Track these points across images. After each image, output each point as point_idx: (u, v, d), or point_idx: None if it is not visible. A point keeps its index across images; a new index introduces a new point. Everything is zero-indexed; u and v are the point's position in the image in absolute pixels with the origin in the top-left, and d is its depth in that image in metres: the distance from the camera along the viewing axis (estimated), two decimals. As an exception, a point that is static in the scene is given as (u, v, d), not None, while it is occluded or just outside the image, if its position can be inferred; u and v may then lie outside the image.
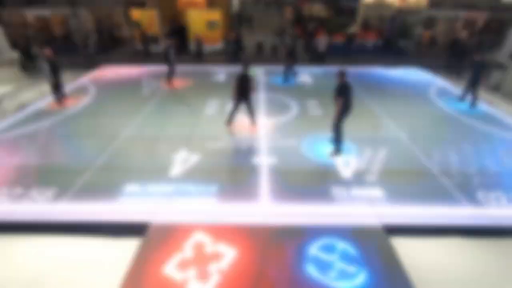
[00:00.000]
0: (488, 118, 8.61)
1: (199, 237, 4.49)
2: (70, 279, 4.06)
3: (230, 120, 7.82)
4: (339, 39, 16.81)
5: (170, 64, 10.97)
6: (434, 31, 19.40)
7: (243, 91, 7.36)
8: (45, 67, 8.71)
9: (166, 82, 11.20)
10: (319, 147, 6.99)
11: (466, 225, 4.84)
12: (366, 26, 21.99)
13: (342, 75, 6.19)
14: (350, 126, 8.13)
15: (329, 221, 4.82)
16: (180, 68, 11.70)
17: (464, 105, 9.41)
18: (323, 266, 4.07)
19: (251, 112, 7.74)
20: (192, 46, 16.61)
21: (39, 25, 18.52)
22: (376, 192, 5.49)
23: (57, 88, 9.04)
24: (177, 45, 10.83)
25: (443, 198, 5.38)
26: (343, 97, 6.13)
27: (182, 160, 6.43)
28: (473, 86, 9.17)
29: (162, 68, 11.54)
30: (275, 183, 5.74)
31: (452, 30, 18.32)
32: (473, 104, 9.25)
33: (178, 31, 16.60)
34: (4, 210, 5.04)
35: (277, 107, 9.26)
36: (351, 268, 4.05)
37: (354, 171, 6.10)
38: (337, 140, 6.60)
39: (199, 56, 14.22)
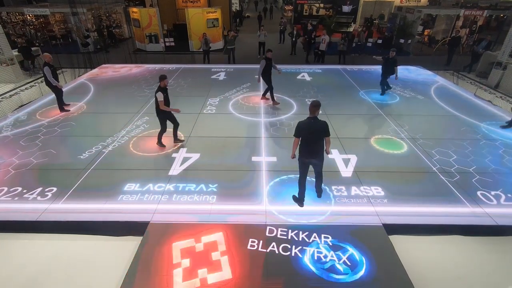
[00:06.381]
0: (493, 118, 8.52)
1: (188, 237, 4.51)
2: (70, 279, 4.07)
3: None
4: (339, 38, 16.72)
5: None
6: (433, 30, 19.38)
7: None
8: None
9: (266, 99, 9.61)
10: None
11: (466, 224, 4.84)
12: (366, 24, 21.92)
13: (394, 51, 9.23)
14: (350, 125, 8.17)
15: (330, 221, 4.83)
16: (181, 67, 11.57)
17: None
18: (324, 265, 4.08)
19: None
20: (194, 44, 16.76)
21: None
22: (376, 192, 5.50)
23: None
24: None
25: (443, 197, 5.38)
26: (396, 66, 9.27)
27: (182, 160, 6.44)
28: None
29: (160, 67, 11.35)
30: (275, 182, 5.75)
31: (452, 28, 18.27)
32: None
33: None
34: (4, 210, 5.05)
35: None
36: (352, 267, 4.06)
37: (354, 171, 6.11)
38: (384, 84, 9.89)
39: (207, 54, 14.15)
